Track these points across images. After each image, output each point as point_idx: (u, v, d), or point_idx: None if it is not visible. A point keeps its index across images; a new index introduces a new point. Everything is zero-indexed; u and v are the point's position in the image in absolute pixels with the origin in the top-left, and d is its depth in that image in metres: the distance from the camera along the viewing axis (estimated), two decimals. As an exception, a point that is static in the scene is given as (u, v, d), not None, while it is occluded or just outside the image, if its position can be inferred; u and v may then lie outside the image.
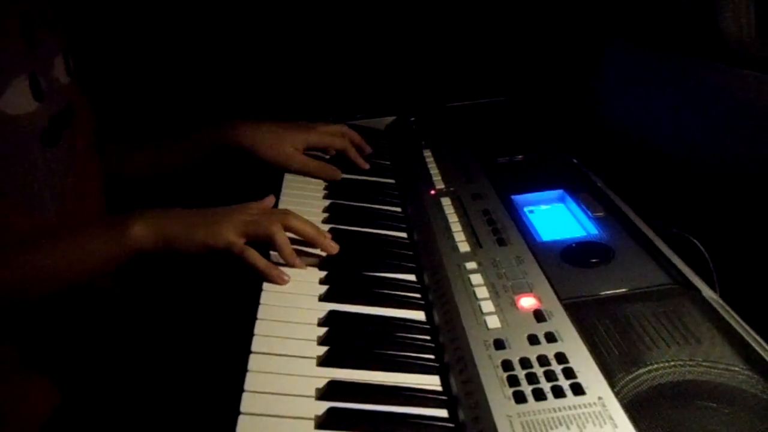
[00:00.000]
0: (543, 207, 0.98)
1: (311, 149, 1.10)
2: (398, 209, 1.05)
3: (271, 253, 0.85)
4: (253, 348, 0.71)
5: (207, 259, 0.82)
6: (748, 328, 0.70)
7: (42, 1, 0.83)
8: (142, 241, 0.80)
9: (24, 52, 0.77)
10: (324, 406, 0.65)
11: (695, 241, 0.90)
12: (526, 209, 0.97)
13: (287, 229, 0.84)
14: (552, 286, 0.77)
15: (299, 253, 0.86)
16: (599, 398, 0.62)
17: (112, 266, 0.81)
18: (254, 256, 0.82)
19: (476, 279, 0.80)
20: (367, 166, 1.14)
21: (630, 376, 0.65)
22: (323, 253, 0.87)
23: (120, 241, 0.79)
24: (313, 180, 1.08)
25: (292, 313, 0.78)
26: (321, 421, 0.63)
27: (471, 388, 0.65)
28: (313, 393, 0.67)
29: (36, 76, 0.78)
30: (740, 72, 0.87)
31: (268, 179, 1.04)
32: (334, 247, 0.87)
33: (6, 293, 0.75)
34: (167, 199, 1.02)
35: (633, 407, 0.61)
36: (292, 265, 0.84)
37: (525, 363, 0.66)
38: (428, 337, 0.77)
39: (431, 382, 0.70)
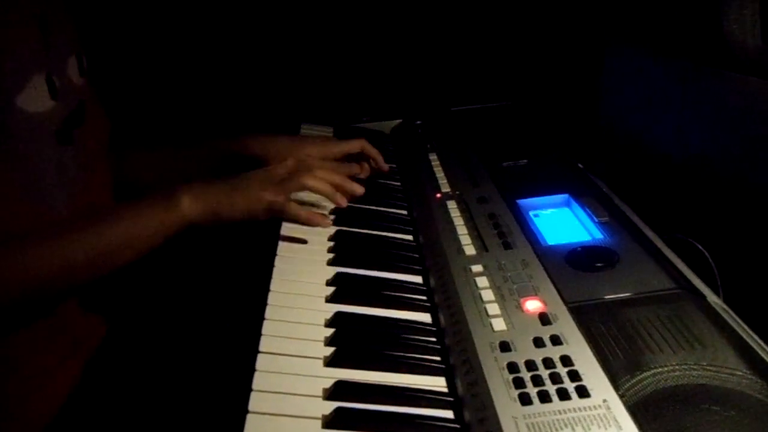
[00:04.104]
0: (548, 211, 0.99)
1: (328, 161, 1.07)
2: (404, 212, 1.05)
3: (285, 224, 0.92)
4: (261, 348, 0.71)
5: (248, 223, 0.88)
6: (751, 332, 0.71)
7: (55, 2, 0.84)
8: (192, 212, 0.84)
9: (41, 52, 0.78)
10: (331, 405, 0.65)
11: (699, 246, 0.91)
12: (531, 213, 0.97)
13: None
14: (557, 289, 0.78)
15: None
16: (604, 401, 0.62)
17: (165, 239, 0.84)
18: (294, 208, 0.90)
19: (482, 282, 0.80)
20: (386, 169, 1.14)
21: (634, 380, 0.65)
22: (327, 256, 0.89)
23: (173, 214, 0.83)
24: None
25: (299, 314, 0.78)
26: (328, 421, 0.64)
27: (477, 389, 0.66)
28: (320, 393, 0.67)
29: (51, 76, 0.79)
30: (745, 78, 0.88)
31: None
32: (360, 189, 0.98)
33: (72, 275, 0.77)
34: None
35: (637, 410, 0.62)
36: (337, 202, 0.95)
37: (530, 365, 0.67)
38: (434, 339, 0.77)
39: (437, 383, 0.71)
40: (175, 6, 1.35)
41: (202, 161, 1.04)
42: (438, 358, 0.74)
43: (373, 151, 1.12)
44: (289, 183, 0.91)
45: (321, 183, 0.93)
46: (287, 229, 0.92)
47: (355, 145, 1.10)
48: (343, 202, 0.95)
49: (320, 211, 0.97)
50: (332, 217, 0.97)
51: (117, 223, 0.82)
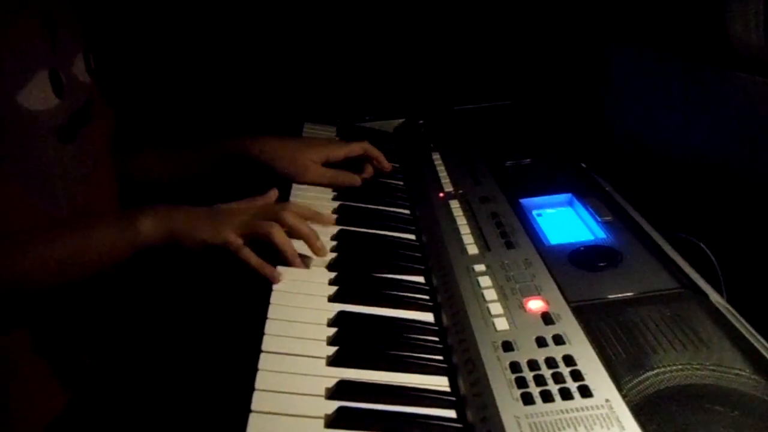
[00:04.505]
0: (551, 210, 0.99)
1: (330, 163, 1.08)
2: (407, 211, 1.05)
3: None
4: (264, 347, 0.71)
5: (206, 256, 0.84)
6: (754, 332, 0.71)
7: (63, 0, 0.84)
8: (149, 235, 0.82)
9: (45, 50, 0.79)
10: (333, 405, 0.65)
11: (702, 245, 0.90)
12: (534, 213, 0.97)
13: (284, 226, 0.86)
14: (560, 289, 0.78)
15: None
16: (606, 401, 0.62)
17: (121, 259, 0.82)
18: (247, 253, 0.84)
19: (485, 281, 0.80)
20: (389, 169, 1.13)
21: (637, 379, 0.65)
22: (328, 256, 0.89)
23: (129, 236, 0.81)
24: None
25: (301, 314, 0.78)
26: (330, 420, 0.64)
27: (479, 389, 0.66)
28: (322, 392, 0.67)
29: (57, 73, 0.79)
30: (749, 78, 0.88)
31: (278, 180, 1.04)
32: (323, 251, 0.88)
33: (20, 284, 0.76)
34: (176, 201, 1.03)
35: (640, 410, 0.62)
36: (291, 265, 0.85)
37: (533, 365, 0.67)
38: (437, 339, 0.77)
39: (439, 383, 0.71)
40: (179, 5, 1.35)
41: (204, 162, 1.04)
42: (440, 358, 0.74)
43: (375, 153, 1.11)
44: (253, 227, 0.85)
45: (282, 239, 0.85)
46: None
47: (357, 148, 1.10)
48: (320, 252, 0.87)
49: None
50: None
51: (71, 237, 0.80)
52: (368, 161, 1.12)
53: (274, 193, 0.96)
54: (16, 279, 0.75)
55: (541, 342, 0.70)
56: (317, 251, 0.88)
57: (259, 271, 0.83)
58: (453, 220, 0.94)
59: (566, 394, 0.63)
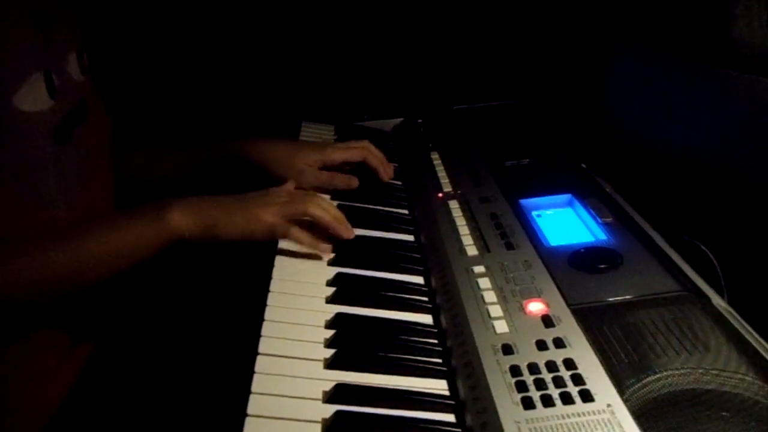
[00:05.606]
0: (551, 211, 0.98)
1: (328, 167, 1.06)
2: (405, 211, 1.04)
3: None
4: (260, 350, 0.71)
5: (245, 244, 0.84)
6: (756, 336, 0.70)
7: None
8: (182, 228, 0.81)
9: (39, 49, 0.78)
10: (331, 409, 0.65)
11: (704, 248, 0.90)
12: (533, 213, 0.97)
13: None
14: (560, 291, 0.77)
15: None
16: (608, 405, 0.62)
17: (152, 254, 0.81)
18: (299, 232, 0.86)
19: (484, 283, 0.80)
20: (387, 178, 1.10)
21: (639, 384, 0.65)
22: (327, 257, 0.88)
23: (160, 229, 0.80)
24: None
25: (299, 315, 0.78)
26: (328, 425, 0.63)
27: (479, 393, 0.65)
28: (320, 396, 0.67)
29: (50, 73, 0.78)
30: (752, 78, 0.87)
31: (273, 183, 1.03)
32: (350, 232, 0.91)
33: (55, 281, 0.75)
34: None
35: (642, 415, 0.61)
36: (337, 229, 0.89)
37: (533, 368, 0.66)
38: (435, 341, 0.76)
39: (438, 386, 0.70)
40: (177, 4, 1.34)
41: (199, 163, 1.04)
42: (439, 361, 0.73)
43: (375, 163, 1.08)
44: (291, 207, 0.87)
45: (324, 213, 0.88)
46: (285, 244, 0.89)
47: (355, 155, 1.07)
48: (350, 234, 0.91)
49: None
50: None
51: (102, 234, 0.79)
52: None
53: (291, 183, 0.96)
54: (48, 280, 0.74)
55: (541, 345, 0.69)
56: (349, 234, 0.90)
57: (314, 249, 0.87)
58: (452, 221, 0.94)
59: (567, 399, 0.62)
